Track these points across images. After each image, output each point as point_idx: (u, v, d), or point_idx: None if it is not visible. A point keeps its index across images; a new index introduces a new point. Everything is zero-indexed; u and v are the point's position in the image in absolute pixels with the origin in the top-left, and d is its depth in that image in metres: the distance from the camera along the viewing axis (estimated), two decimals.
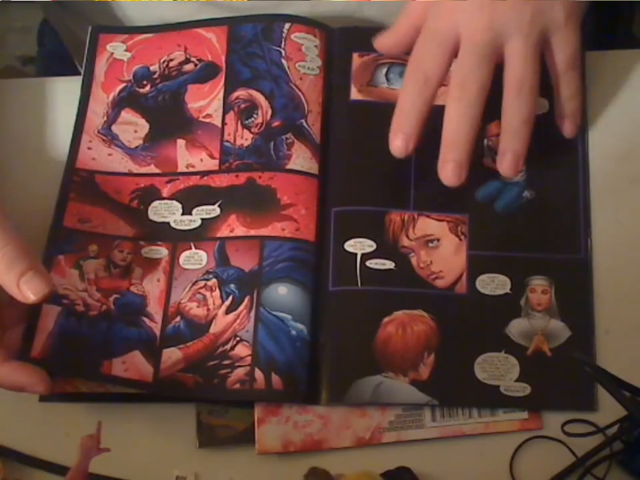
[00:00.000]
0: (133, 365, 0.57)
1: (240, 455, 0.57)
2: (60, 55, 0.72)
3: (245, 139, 0.63)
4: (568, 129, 0.62)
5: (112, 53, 0.67)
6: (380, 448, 0.57)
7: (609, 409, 0.55)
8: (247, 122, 0.64)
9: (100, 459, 0.50)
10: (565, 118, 0.62)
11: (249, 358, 0.57)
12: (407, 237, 0.61)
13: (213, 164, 0.63)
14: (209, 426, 0.57)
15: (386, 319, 0.58)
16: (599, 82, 0.66)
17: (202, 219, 0.61)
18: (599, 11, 0.83)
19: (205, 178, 0.62)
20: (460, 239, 0.61)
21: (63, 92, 0.68)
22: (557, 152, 0.63)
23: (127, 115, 0.65)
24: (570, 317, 0.59)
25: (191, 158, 0.63)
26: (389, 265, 0.60)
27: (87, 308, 0.58)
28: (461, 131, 0.57)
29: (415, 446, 0.57)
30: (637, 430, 0.54)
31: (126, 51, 0.67)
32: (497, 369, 0.57)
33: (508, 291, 0.60)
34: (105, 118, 0.65)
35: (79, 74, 0.68)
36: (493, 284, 0.60)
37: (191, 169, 0.63)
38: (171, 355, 0.57)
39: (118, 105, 0.65)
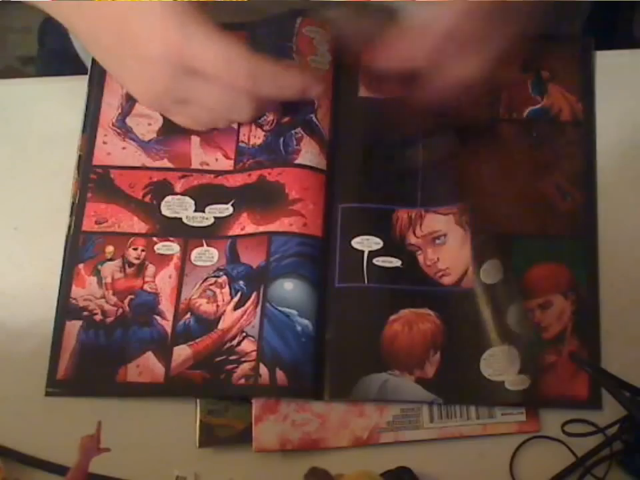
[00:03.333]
0: (146, 367, 0.58)
1: (240, 454, 0.57)
2: (61, 54, 0.72)
3: (257, 137, 0.63)
4: None
5: None
6: (380, 448, 0.57)
7: (609, 409, 0.55)
8: (260, 120, 0.64)
9: (100, 459, 0.50)
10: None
11: (254, 353, 0.57)
12: (414, 234, 0.61)
13: (227, 164, 0.63)
14: (209, 426, 0.57)
15: (392, 317, 0.58)
16: (599, 82, 0.66)
17: (215, 217, 0.61)
18: (599, 11, 0.83)
19: (220, 177, 0.63)
20: (464, 229, 0.61)
21: (64, 92, 0.68)
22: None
23: (141, 107, 0.65)
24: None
25: (205, 156, 0.63)
26: (395, 262, 0.60)
27: (104, 315, 0.59)
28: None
29: (415, 446, 0.57)
30: (637, 430, 0.54)
31: None
32: (500, 363, 0.57)
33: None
34: (120, 110, 0.65)
35: (80, 73, 0.68)
36: (495, 270, 0.60)
37: (205, 167, 0.63)
38: (181, 353, 0.58)
39: (132, 97, 0.65)
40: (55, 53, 0.73)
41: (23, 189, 0.65)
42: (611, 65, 0.66)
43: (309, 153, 0.62)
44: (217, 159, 0.63)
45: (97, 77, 0.66)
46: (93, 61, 0.66)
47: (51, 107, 0.64)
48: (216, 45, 0.54)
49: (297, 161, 0.62)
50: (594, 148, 0.63)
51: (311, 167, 0.62)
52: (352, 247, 0.60)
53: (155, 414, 0.58)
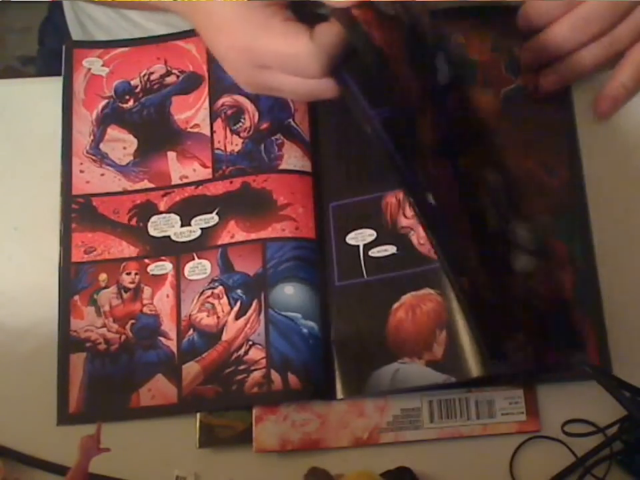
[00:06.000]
0: (157, 390, 0.58)
1: (240, 454, 0.57)
2: (61, 54, 0.71)
3: (235, 144, 0.63)
4: (602, 108, 0.64)
5: (89, 69, 0.67)
6: (380, 448, 0.57)
7: (609, 409, 0.55)
8: (235, 127, 0.64)
9: (100, 458, 0.50)
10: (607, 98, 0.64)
11: (264, 360, 0.57)
12: (405, 215, 0.60)
13: (206, 173, 0.63)
14: (209, 426, 0.57)
15: (395, 305, 0.58)
16: (598, 81, 0.66)
17: (201, 229, 0.61)
18: None
19: (200, 187, 0.63)
20: None
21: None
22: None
23: (113, 131, 0.65)
24: None
25: (183, 169, 0.63)
26: (391, 249, 0.60)
27: (107, 344, 0.60)
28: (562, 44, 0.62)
29: (415, 446, 0.57)
30: (637, 430, 0.54)
31: (103, 66, 0.67)
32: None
33: None
34: (92, 137, 0.65)
35: None
36: None
37: (184, 180, 0.63)
38: (190, 370, 0.58)
39: (103, 122, 0.65)
40: (55, 53, 0.73)
41: (22, 189, 0.65)
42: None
43: (292, 158, 0.62)
44: (194, 170, 0.63)
45: (66, 104, 0.66)
46: (63, 86, 0.66)
47: (51, 107, 0.64)
48: (278, 44, 0.54)
49: (281, 167, 0.62)
50: (574, 123, 0.63)
51: (296, 171, 0.62)
52: (347, 244, 0.60)
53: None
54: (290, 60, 0.54)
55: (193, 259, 0.61)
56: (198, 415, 0.57)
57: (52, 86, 0.68)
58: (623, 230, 0.61)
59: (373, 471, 0.54)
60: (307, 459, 0.56)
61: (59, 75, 0.68)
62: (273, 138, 0.63)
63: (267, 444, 0.57)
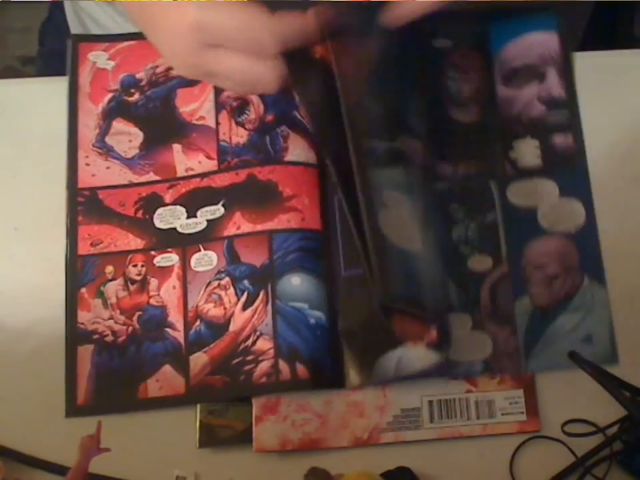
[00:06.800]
0: (165, 380, 0.58)
1: (240, 454, 0.57)
2: (61, 54, 0.72)
3: (240, 136, 0.64)
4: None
5: (94, 63, 0.67)
6: (380, 448, 0.57)
7: (609, 409, 0.55)
8: (240, 119, 0.64)
9: (100, 459, 0.50)
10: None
11: (272, 351, 0.58)
12: None
13: (211, 165, 0.63)
14: (209, 426, 0.57)
15: None
16: (599, 82, 0.66)
17: (207, 220, 0.62)
18: (599, 11, 0.83)
19: (206, 179, 0.63)
20: None
21: (63, 92, 0.68)
22: None
23: (118, 125, 0.65)
24: None
25: (188, 161, 0.64)
26: None
27: (115, 336, 0.60)
28: None
29: (415, 446, 0.57)
30: (637, 430, 0.54)
31: (109, 59, 0.67)
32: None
33: None
34: (98, 130, 0.65)
35: None
36: None
37: (190, 172, 0.63)
38: (198, 361, 0.58)
39: (108, 115, 0.65)
40: (55, 53, 0.73)
41: (23, 189, 0.65)
42: (608, 65, 0.66)
43: (297, 150, 0.63)
44: (200, 162, 0.64)
45: (72, 97, 0.66)
46: (69, 80, 0.66)
47: (50, 107, 0.64)
48: (234, 13, 0.52)
49: (286, 159, 0.62)
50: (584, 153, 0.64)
51: (301, 163, 0.62)
52: (351, 233, 0.60)
53: (155, 414, 0.58)
54: (245, 33, 0.52)
55: (199, 251, 0.61)
56: (198, 414, 0.57)
57: (52, 86, 0.68)
58: (628, 228, 0.62)
59: (372, 470, 0.54)
60: (307, 459, 0.56)
61: (59, 74, 0.68)
62: (278, 130, 0.63)
63: (267, 444, 0.57)
